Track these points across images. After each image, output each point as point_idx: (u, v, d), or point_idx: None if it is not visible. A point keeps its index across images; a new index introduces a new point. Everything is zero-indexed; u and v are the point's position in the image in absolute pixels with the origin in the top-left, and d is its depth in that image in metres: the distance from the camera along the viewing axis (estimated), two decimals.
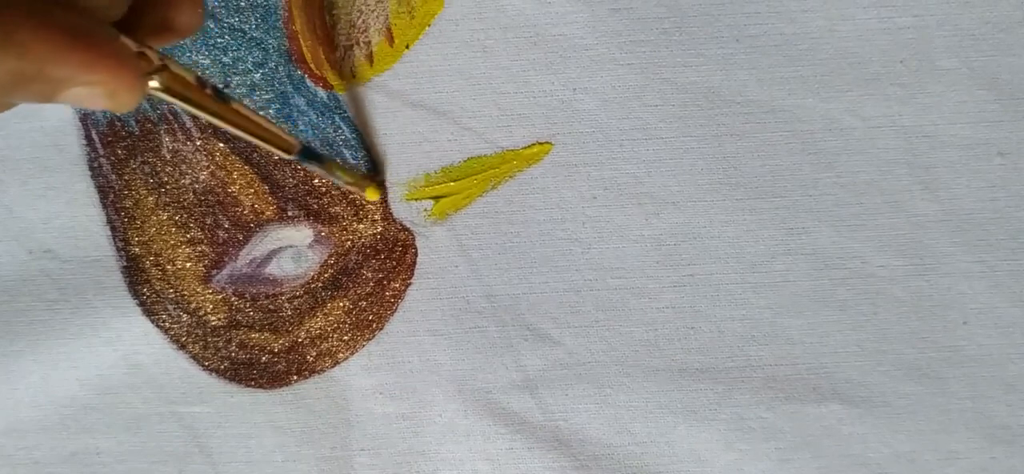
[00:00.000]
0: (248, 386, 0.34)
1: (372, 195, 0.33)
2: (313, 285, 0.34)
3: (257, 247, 0.34)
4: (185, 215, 0.34)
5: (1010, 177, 0.33)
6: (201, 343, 0.34)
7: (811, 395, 0.33)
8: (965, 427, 0.33)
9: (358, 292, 0.34)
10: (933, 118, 0.33)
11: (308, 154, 0.30)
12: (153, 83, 0.23)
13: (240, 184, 0.34)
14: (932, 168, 0.33)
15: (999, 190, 0.33)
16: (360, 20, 0.34)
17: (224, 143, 0.34)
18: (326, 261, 0.34)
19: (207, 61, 0.34)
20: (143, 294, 0.34)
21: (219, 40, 0.34)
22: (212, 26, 0.34)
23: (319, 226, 0.34)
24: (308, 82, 0.34)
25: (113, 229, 0.35)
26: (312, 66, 0.34)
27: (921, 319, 0.33)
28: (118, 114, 0.34)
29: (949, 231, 0.33)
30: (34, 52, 0.19)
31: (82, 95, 0.21)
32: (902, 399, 0.33)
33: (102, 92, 0.21)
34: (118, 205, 0.34)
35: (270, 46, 0.34)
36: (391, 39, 0.34)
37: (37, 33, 0.19)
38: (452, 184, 0.34)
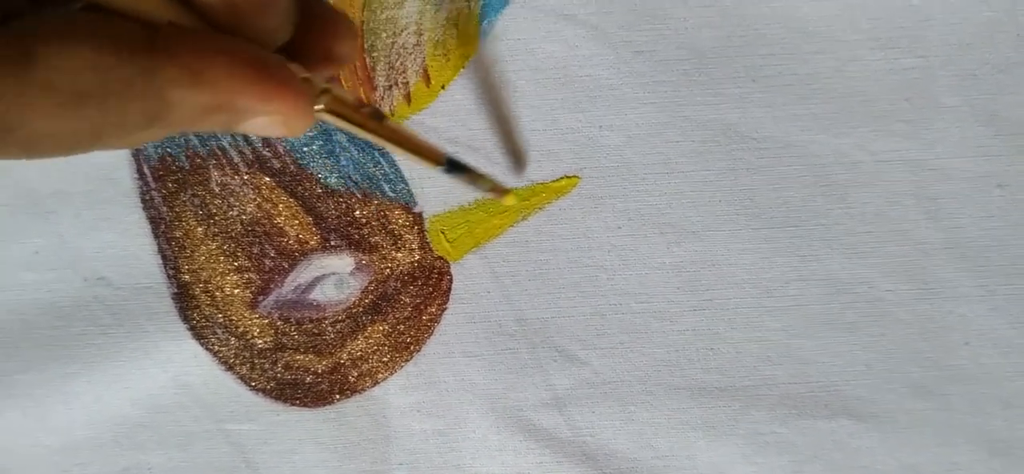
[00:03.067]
0: (293, 405, 0.36)
1: (511, 201, 0.34)
2: (354, 310, 0.36)
3: (301, 275, 0.36)
4: (233, 245, 0.36)
5: (1009, 207, 0.35)
6: (248, 365, 0.36)
7: (823, 411, 0.36)
8: (966, 441, 0.35)
9: (397, 316, 0.36)
10: (937, 152, 0.35)
11: (454, 166, 0.31)
12: (318, 107, 0.23)
13: (285, 216, 0.36)
14: (936, 199, 0.35)
15: (999, 219, 0.35)
16: (399, 62, 0.36)
17: (270, 177, 0.36)
18: (367, 287, 0.36)
19: None
20: (193, 319, 0.36)
21: None
22: None
23: (360, 255, 0.36)
24: None
25: (164, 258, 0.36)
26: None
27: (925, 340, 0.35)
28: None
29: (952, 258, 0.35)
30: (224, 87, 0.20)
31: (261, 124, 0.21)
32: (907, 415, 0.35)
33: (280, 120, 0.21)
34: (169, 235, 0.36)
35: None
36: (428, 80, 0.36)
37: (227, 69, 0.20)
38: (486, 215, 0.36)
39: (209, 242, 0.36)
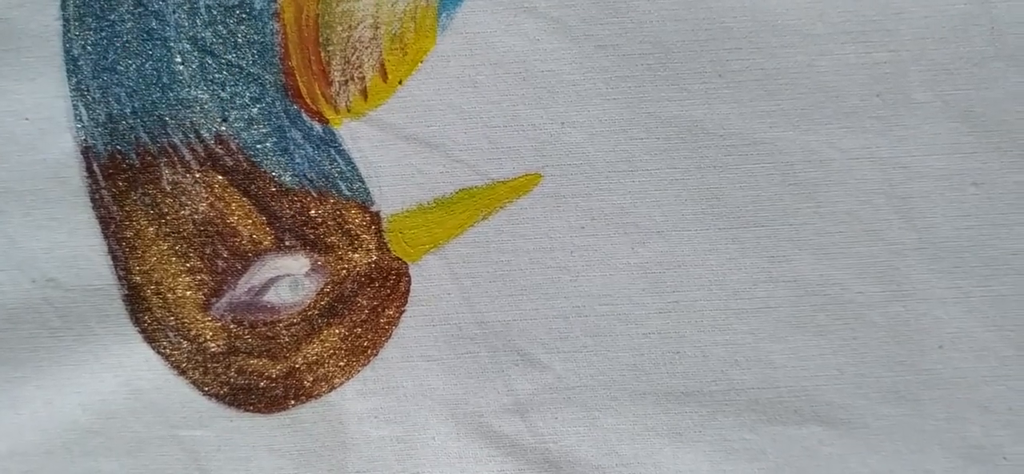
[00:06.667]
0: (247, 411, 0.35)
1: None
2: (310, 312, 0.35)
3: (255, 276, 0.35)
4: (185, 245, 0.35)
5: (983, 206, 0.34)
6: (201, 369, 0.35)
7: (792, 417, 0.35)
8: (941, 447, 0.34)
9: (353, 319, 0.35)
10: (909, 149, 0.34)
11: None
12: None
13: (238, 215, 0.35)
14: (908, 198, 0.34)
15: (973, 219, 0.34)
16: (354, 56, 0.35)
17: (223, 175, 0.35)
18: (322, 289, 0.35)
19: (206, 96, 0.35)
20: (144, 322, 0.35)
21: (217, 76, 0.35)
22: (210, 62, 0.35)
23: (315, 255, 0.35)
24: (304, 116, 0.35)
25: (115, 259, 0.35)
26: (308, 101, 0.35)
27: (898, 343, 0.35)
28: (119, 146, 0.35)
29: (925, 259, 0.34)
30: None
31: None
32: (880, 420, 0.35)
33: None
34: (119, 235, 0.35)
35: (267, 81, 0.35)
36: (385, 75, 0.35)
37: None
38: (444, 214, 0.35)
39: (160, 242, 0.35)
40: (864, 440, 0.34)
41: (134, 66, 0.35)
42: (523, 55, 0.35)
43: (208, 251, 0.35)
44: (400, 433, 0.35)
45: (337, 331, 0.35)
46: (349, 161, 0.35)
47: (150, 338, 0.35)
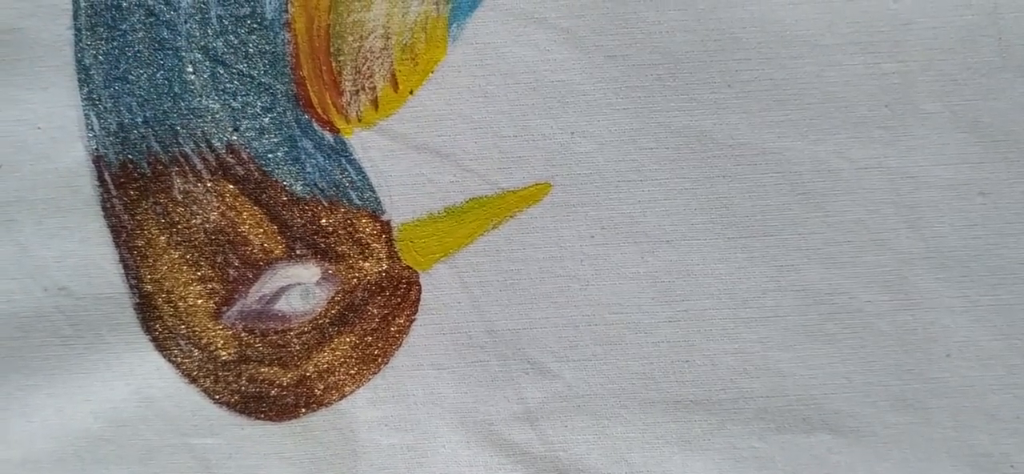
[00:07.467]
0: (258, 419, 0.36)
1: None
2: (320, 321, 0.35)
3: (266, 285, 0.35)
4: (196, 254, 0.35)
5: (991, 215, 0.34)
6: (212, 377, 0.36)
7: (801, 425, 0.35)
8: (948, 455, 0.35)
9: (364, 328, 0.35)
10: (917, 159, 0.34)
11: None
12: None
13: (250, 224, 0.35)
14: (916, 207, 0.35)
15: (980, 228, 0.34)
16: (365, 67, 0.35)
17: (234, 184, 0.35)
18: (333, 298, 0.35)
19: (217, 105, 0.35)
20: (155, 330, 0.36)
21: (229, 86, 0.35)
22: (222, 72, 0.35)
23: (326, 264, 0.35)
24: (315, 126, 0.35)
25: (126, 267, 0.36)
26: (319, 110, 0.35)
27: (906, 352, 0.35)
28: (131, 156, 0.35)
29: (933, 268, 0.35)
30: None
31: None
32: (888, 429, 0.35)
33: None
34: (131, 244, 0.36)
35: (278, 91, 0.35)
36: (395, 85, 0.35)
37: None
38: (454, 223, 0.35)
39: (172, 251, 0.35)
40: (872, 448, 0.35)
41: (145, 76, 0.35)
42: (533, 65, 0.35)
43: (219, 260, 0.35)
44: (410, 441, 0.35)
45: (348, 339, 0.35)
46: (360, 170, 0.35)
47: (161, 346, 0.36)
